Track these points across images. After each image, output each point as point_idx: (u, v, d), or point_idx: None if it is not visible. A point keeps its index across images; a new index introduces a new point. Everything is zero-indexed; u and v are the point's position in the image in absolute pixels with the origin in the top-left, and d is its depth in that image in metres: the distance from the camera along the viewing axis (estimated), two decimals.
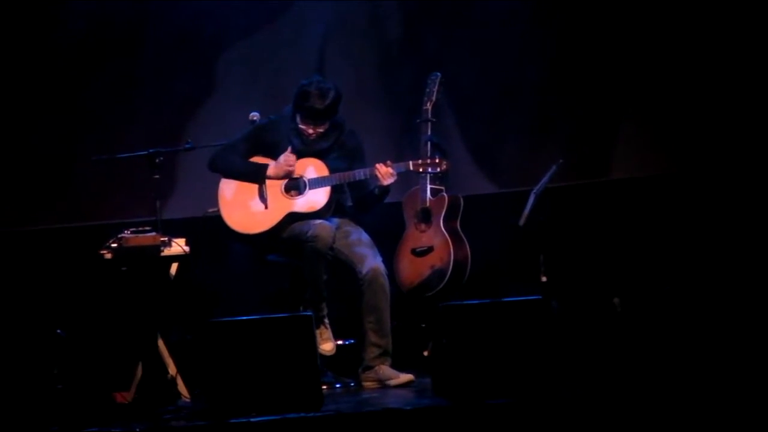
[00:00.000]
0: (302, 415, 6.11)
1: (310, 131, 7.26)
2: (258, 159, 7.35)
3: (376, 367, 7.15)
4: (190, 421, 6.41)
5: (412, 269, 7.53)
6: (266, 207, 7.31)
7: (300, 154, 7.31)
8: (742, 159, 8.19)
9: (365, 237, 7.32)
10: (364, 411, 6.30)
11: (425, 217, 7.54)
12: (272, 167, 7.27)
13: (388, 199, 7.43)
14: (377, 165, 7.20)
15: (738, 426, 5.97)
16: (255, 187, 7.33)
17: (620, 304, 7.64)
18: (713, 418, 6.00)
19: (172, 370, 7.19)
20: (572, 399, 6.17)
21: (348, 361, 7.40)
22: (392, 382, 7.12)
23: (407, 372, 7.19)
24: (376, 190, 7.29)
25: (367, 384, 7.17)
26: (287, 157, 7.25)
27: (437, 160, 7.28)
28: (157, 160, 7.33)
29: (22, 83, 8.45)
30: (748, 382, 6.19)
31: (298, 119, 7.27)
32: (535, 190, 7.53)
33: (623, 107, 8.45)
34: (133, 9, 8.48)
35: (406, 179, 7.53)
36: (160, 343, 7.21)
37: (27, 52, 8.44)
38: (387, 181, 7.19)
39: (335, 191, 7.31)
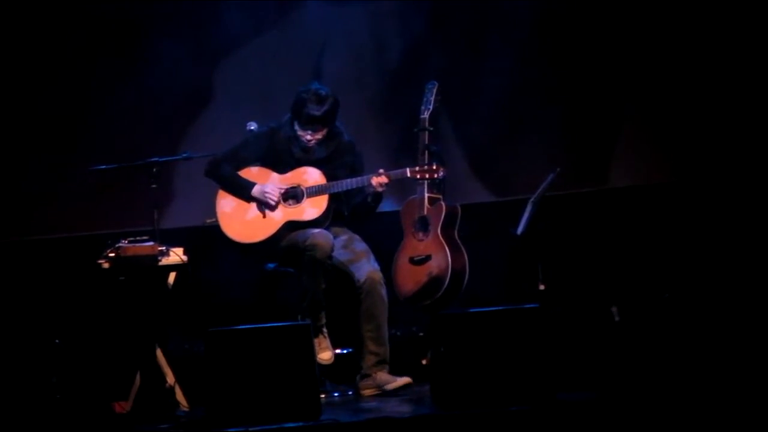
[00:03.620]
0: (300, 424, 6.11)
1: (309, 138, 7.27)
2: (257, 168, 7.35)
3: (374, 374, 7.15)
4: (188, 431, 6.41)
5: (410, 278, 7.52)
6: (264, 216, 7.32)
7: (299, 162, 7.32)
8: (741, 167, 8.19)
9: (363, 245, 7.33)
10: (362, 420, 6.30)
11: (423, 225, 7.53)
12: (257, 192, 7.28)
13: (385, 208, 7.44)
14: (373, 175, 7.20)
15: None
16: None
17: (618, 312, 7.64)
18: (712, 425, 5.99)
19: (170, 379, 7.19)
20: (571, 407, 6.17)
21: (346, 370, 7.40)
22: (390, 387, 7.11)
23: None
24: (369, 198, 7.29)
25: (366, 392, 7.16)
26: (272, 193, 7.25)
27: (434, 167, 7.28)
28: (154, 170, 7.33)
29: (18, 91, 8.45)
30: (747, 389, 6.19)
31: (296, 126, 7.28)
32: (533, 199, 7.53)
33: (621, 116, 8.45)
34: (131, 18, 8.48)
35: (403, 188, 7.53)
36: (159, 352, 7.20)
37: (25, 60, 8.44)
38: (381, 188, 7.20)
39: (333, 200, 7.31)
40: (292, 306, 7.35)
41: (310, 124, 7.23)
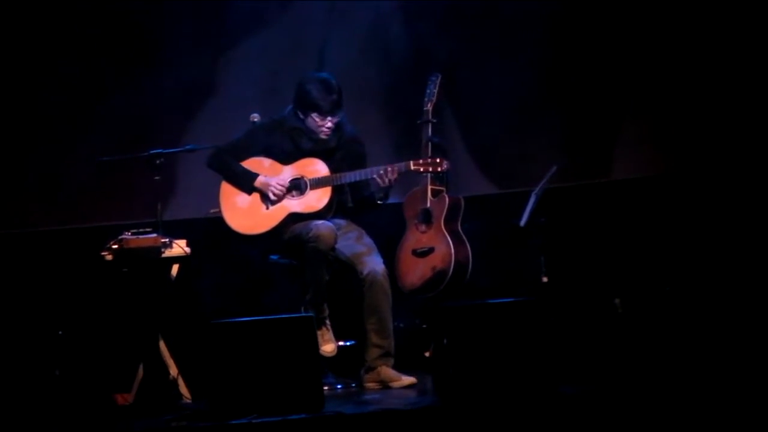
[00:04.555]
0: (303, 416, 6.12)
1: (330, 125, 7.25)
2: (259, 159, 7.35)
3: (378, 368, 7.15)
4: (191, 423, 6.42)
5: (413, 270, 7.53)
6: (267, 207, 7.32)
7: (305, 154, 7.31)
8: (743, 159, 8.19)
9: (366, 238, 7.33)
10: (365, 412, 6.30)
11: (426, 218, 7.54)
12: (261, 182, 7.28)
13: (388, 200, 7.43)
14: (379, 169, 7.20)
15: (738, 426, 5.97)
16: None
17: (621, 304, 7.64)
18: (713, 419, 6.00)
19: (173, 371, 7.20)
20: (573, 399, 6.17)
21: (349, 363, 7.41)
22: (394, 384, 7.11)
23: (409, 373, 7.18)
24: (377, 195, 7.29)
25: (369, 385, 7.16)
26: (278, 186, 7.25)
27: (438, 161, 7.28)
28: (157, 162, 7.34)
29: (22, 84, 8.45)
30: (748, 382, 6.19)
31: (314, 117, 7.25)
32: (535, 191, 7.54)
33: (624, 108, 8.45)
34: (136, 11, 8.48)
35: (406, 180, 7.52)
36: (162, 344, 7.21)
37: (28, 53, 8.44)
38: (386, 182, 7.20)
39: (336, 192, 7.31)
40: (295, 298, 7.35)
41: (334, 109, 7.21)
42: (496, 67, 8.46)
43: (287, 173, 7.31)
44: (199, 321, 7.28)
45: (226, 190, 7.37)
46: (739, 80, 8.21)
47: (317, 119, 7.26)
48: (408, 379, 7.13)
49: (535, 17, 8.42)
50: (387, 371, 7.14)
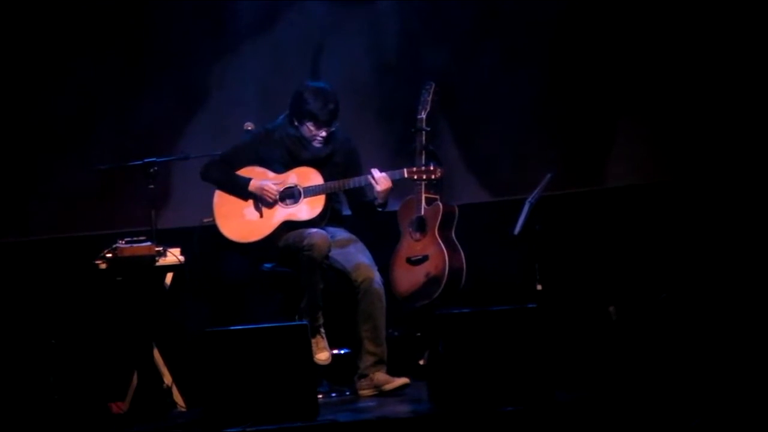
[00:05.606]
0: (298, 424, 6.11)
1: (323, 135, 7.26)
2: (253, 168, 7.35)
3: (371, 375, 7.15)
4: (185, 431, 6.42)
5: (408, 278, 7.53)
6: (261, 216, 7.32)
7: (300, 162, 7.31)
8: (737, 167, 8.20)
9: (360, 245, 7.33)
10: (360, 420, 6.30)
11: (420, 226, 7.54)
12: (255, 186, 7.28)
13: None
14: (371, 170, 7.21)
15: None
16: None
17: (616, 312, 7.64)
18: (709, 425, 6.00)
19: (167, 379, 7.19)
20: (568, 407, 6.17)
21: (344, 371, 7.40)
22: (387, 387, 7.11)
23: None
24: (375, 202, 7.28)
25: (363, 392, 7.16)
26: (270, 189, 7.25)
27: (432, 168, 7.29)
28: (151, 170, 7.34)
29: (16, 92, 8.45)
30: (745, 389, 6.20)
31: (309, 126, 7.26)
32: (530, 199, 7.53)
33: (618, 115, 8.45)
34: (128, 17, 8.47)
35: (401, 188, 7.52)
36: (156, 352, 7.21)
37: (22, 61, 8.44)
38: (381, 186, 7.19)
39: (330, 199, 7.32)
40: (289, 306, 7.35)
41: (330, 120, 7.22)
42: (492, 76, 8.46)
43: (282, 181, 7.31)
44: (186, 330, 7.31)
45: (220, 198, 7.37)
46: (734, 86, 8.22)
47: (312, 128, 7.27)
48: (400, 380, 7.13)
49: (532, 26, 8.43)
50: (380, 375, 7.14)
